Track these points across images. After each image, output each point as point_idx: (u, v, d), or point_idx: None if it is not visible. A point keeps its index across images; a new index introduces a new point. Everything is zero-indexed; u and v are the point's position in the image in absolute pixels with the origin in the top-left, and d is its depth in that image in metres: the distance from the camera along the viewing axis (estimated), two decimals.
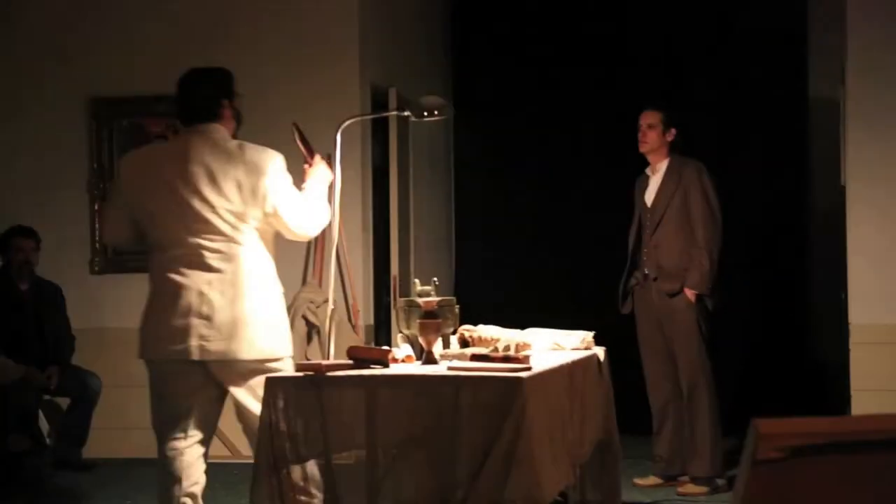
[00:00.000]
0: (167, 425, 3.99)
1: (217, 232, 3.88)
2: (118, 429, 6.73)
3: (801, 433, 1.57)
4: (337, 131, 4.01)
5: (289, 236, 4.07)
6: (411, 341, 3.94)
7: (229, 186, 3.87)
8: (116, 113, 7.01)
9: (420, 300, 3.83)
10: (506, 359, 3.53)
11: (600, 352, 4.46)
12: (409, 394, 3.40)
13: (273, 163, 3.94)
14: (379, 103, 6.73)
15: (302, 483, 3.41)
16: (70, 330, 6.78)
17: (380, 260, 6.92)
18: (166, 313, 3.91)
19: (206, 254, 3.89)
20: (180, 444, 3.95)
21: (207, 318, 3.85)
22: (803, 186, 7.71)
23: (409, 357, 3.75)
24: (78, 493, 6.18)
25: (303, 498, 3.40)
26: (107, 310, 6.93)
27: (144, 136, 6.99)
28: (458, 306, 4.11)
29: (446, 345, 4.00)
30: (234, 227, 3.90)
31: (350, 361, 3.59)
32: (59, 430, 6.72)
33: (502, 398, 3.29)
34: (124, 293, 6.93)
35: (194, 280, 3.89)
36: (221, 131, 3.98)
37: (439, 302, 3.84)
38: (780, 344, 7.58)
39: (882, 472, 1.62)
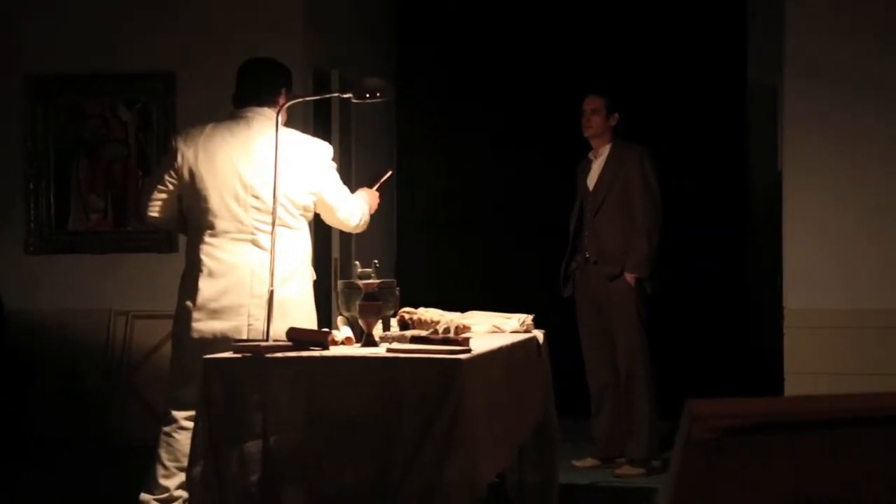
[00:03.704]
0: (182, 404, 4.03)
1: (270, 214, 3.92)
2: (52, 408, 6.66)
3: (735, 414, 1.59)
4: (278, 113, 3.98)
5: (332, 223, 4.35)
6: (351, 323, 3.93)
7: (288, 172, 3.96)
8: (53, 91, 6.87)
9: (360, 282, 3.82)
10: (445, 341, 3.54)
11: (539, 334, 4.49)
12: (348, 375, 3.40)
13: (328, 154, 4.18)
14: (321, 85, 6.68)
15: (239, 465, 3.39)
16: (2, 310, 6.68)
17: (321, 242, 6.88)
18: (214, 291, 4.02)
19: (259, 235, 4.03)
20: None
21: (258, 298, 3.95)
22: (741, 172, 7.79)
23: (348, 339, 3.75)
24: (15, 474, 6.10)
25: (240, 480, 3.38)
26: (41, 291, 6.84)
27: (82, 115, 6.87)
28: (398, 289, 4.11)
29: (386, 327, 4.01)
30: (288, 212, 4.06)
31: (289, 343, 3.57)
32: None
33: (441, 380, 3.30)
34: (59, 274, 6.85)
35: (246, 259, 4.03)
36: (273, 117, 4.02)
37: (380, 284, 3.83)
38: (717, 327, 7.66)
39: (813, 453, 1.65)
